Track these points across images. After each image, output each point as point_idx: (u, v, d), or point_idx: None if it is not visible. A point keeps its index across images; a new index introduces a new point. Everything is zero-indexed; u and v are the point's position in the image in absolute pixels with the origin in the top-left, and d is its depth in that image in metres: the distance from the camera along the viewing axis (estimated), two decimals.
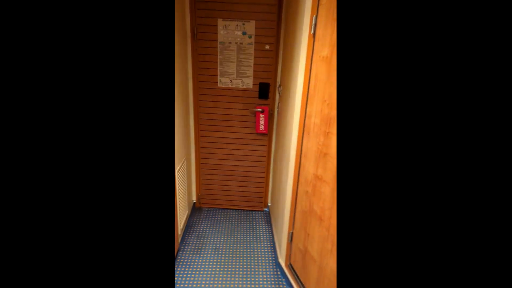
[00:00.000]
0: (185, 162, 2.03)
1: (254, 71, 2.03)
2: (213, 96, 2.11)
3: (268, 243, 2.05)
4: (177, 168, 1.79)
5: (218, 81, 2.07)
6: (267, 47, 1.97)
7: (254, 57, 1.99)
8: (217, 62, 2.02)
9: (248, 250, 1.96)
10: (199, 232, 2.12)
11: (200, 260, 1.83)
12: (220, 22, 1.93)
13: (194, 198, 2.47)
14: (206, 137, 2.23)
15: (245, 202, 2.43)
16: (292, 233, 1.57)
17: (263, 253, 1.95)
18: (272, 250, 1.97)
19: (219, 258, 1.87)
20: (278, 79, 2.07)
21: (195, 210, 2.43)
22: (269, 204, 2.46)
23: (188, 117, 2.12)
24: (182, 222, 2.01)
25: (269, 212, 2.44)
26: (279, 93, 2.03)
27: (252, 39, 1.95)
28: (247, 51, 1.99)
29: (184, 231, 2.10)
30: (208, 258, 1.86)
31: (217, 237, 2.08)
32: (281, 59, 2.01)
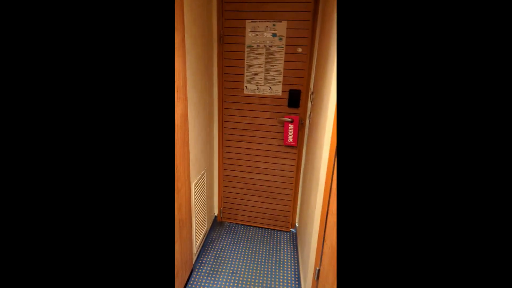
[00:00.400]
0: (205, 174, 1.89)
1: (284, 76, 1.82)
2: (238, 103, 1.95)
3: (293, 271, 1.79)
4: (194, 180, 1.65)
5: (244, 87, 1.91)
6: (300, 50, 1.76)
7: (284, 61, 1.79)
8: (243, 67, 1.86)
9: (269, 278, 1.73)
10: (218, 251, 1.95)
11: (215, 286, 1.65)
12: (249, 24, 1.78)
13: (215, 211, 2.31)
14: (230, 147, 2.07)
15: (269, 220, 2.21)
16: (319, 270, 1.31)
17: (286, 283, 1.70)
18: (297, 281, 1.71)
19: (236, 285, 1.67)
20: (311, 86, 1.84)
21: (216, 224, 2.27)
22: (297, 225, 2.20)
23: (211, 125, 1.99)
24: (200, 239, 1.86)
25: (296, 234, 2.18)
26: (311, 102, 1.79)
27: (283, 42, 1.76)
28: (277, 55, 1.80)
29: (201, 248, 1.95)
30: (224, 283, 1.67)
31: (236, 258, 1.89)
32: (315, 63, 1.78)
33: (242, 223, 2.28)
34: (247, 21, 1.77)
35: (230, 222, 2.30)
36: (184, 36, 1.27)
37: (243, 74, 1.88)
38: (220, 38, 1.84)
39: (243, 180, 2.14)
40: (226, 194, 2.22)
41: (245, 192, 2.17)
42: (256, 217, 2.22)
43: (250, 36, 1.80)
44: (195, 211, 1.69)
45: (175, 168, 1.28)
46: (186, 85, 1.36)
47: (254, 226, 2.26)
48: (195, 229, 1.72)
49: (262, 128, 1.97)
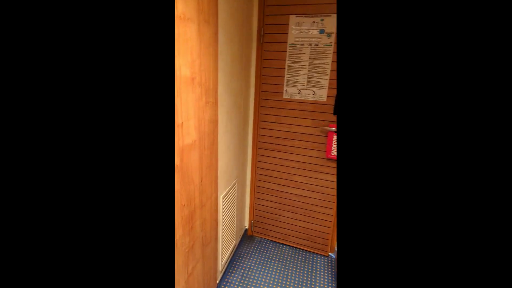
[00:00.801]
0: (236, 184, 1.73)
1: (330, 79, 1.58)
2: (276, 109, 1.76)
3: None
4: (223, 192, 1.49)
5: (284, 91, 1.70)
6: None
7: (332, 61, 1.55)
8: (284, 68, 1.66)
9: None
10: (245, 270, 1.77)
11: None
12: (292, 20, 1.57)
13: (246, 224, 2.14)
14: (264, 157, 1.88)
15: (304, 241, 1.97)
16: None
17: None
18: None
19: None
20: None
21: (246, 238, 2.09)
22: (337, 249, 1.92)
23: (245, 131, 1.82)
24: (227, 255, 1.70)
25: (335, 260, 1.90)
26: None
27: (332, 39, 1.52)
28: (324, 54, 1.56)
29: (228, 264, 1.79)
30: None
31: (265, 280, 1.69)
32: None
33: (273, 239, 2.07)
34: (290, 16, 1.57)
35: (261, 237, 2.11)
36: (217, 30, 1.12)
37: (283, 76, 1.68)
38: (260, 36, 1.67)
39: (276, 193, 1.93)
40: (258, 207, 2.03)
41: (278, 206, 1.96)
42: (289, 235, 1.99)
43: (293, 34, 1.59)
44: (223, 226, 1.53)
45: (200, 181, 1.14)
46: (217, 88, 1.20)
47: (287, 245, 2.03)
48: (222, 246, 1.57)
49: (302, 138, 1.75)
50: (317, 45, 1.56)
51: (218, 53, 1.18)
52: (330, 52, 1.54)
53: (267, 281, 1.69)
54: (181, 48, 0.86)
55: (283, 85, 1.70)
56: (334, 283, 1.70)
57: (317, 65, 1.59)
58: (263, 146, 1.87)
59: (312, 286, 1.67)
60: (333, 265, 1.86)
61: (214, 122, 1.21)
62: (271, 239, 2.08)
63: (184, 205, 1.02)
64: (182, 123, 0.93)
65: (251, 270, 1.77)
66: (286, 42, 1.62)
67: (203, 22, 0.99)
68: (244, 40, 1.54)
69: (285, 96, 1.71)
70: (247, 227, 2.15)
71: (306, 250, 1.99)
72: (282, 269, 1.80)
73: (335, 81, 1.58)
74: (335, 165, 1.72)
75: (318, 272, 1.79)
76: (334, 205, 1.80)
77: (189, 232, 1.10)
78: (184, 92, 0.91)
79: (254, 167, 1.94)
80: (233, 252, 1.88)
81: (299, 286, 1.66)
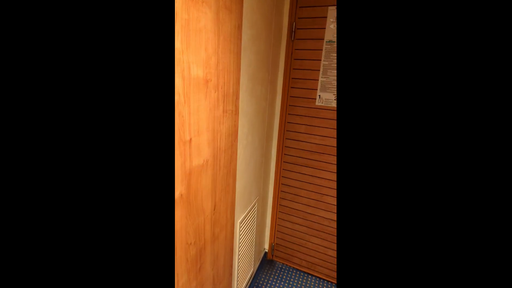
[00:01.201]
0: (256, 204, 1.48)
1: None
2: (306, 118, 1.50)
3: None
4: (241, 216, 1.25)
5: (317, 97, 1.44)
6: None
7: None
8: (318, 70, 1.40)
9: None
10: None
11: None
12: (331, 12, 1.31)
13: (266, 246, 1.89)
14: (290, 173, 1.62)
15: (334, 273, 1.68)
16: None
17: None
18: None
19: None
20: None
21: (266, 263, 1.84)
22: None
23: (269, 142, 1.58)
24: (243, 286, 1.46)
25: None
26: None
27: None
28: None
29: None
30: None
31: None
32: None
33: (297, 267, 1.80)
34: (329, 8, 1.31)
35: (283, 263, 1.84)
36: (240, 22, 0.89)
37: (317, 80, 1.42)
38: (291, 32, 1.42)
39: (303, 215, 1.66)
40: (281, 229, 1.77)
41: (305, 230, 1.68)
42: (317, 264, 1.71)
43: (331, 29, 1.33)
44: (239, 255, 1.30)
45: (213, 209, 0.91)
46: (239, 93, 0.97)
47: (313, 275, 1.75)
48: (237, 279, 1.33)
49: (336, 152, 1.47)
50: None
51: (242, 50, 0.95)
52: None
53: None
54: (192, 40, 0.64)
55: (317, 90, 1.43)
56: None
57: None
58: (289, 160, 1.61)
59: None
60: None
61: (233, 135, 0.98)
62: (294, 266, 1.81)
63: (191, 244, 0.79)
64: (191, 139, 0.70)
65: None
66: (323, 39, 1.36)
67: (223, 8, 0.76)
68: (272, 36, 1.30)
69: (318, 103, 1.45)
70: (267, 250, 1.89)
71: (335, 284, 1.70)
72: None
73: None
74: None
75: None
76: None
77: (197, 275, 0.87)
78: (194, 99, 0.69)
79: (278, 183, 1.68)
80: (250, 280, 1.64)
81: None
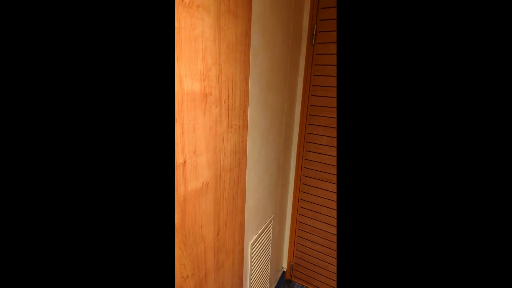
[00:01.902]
0: (272, 221, 1.37)
1: None
2: (329, 128, 1.36)
3: None
4: (252, 238, 1.15)
5: None
6: None
7: None
8: None
9: None
10: None
11: None
12: None
13: (284, 265, 1.76)
14: (311, 188, 1.49)
15: None
16: None
17: None
18: None
19: None
20: None
21: (284, 283, 1.71)
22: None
23: (287, 157, 1.46)
24: None
25: None
26: None
27: None
28: None
29: None
30: None
31: None
32: None
33: None
34: None
35: (302, 285, 1.70)
36: (249, 27, 0.79)
37: None
38: (311, 35, 1.30)
39: (324, 235, 1.51)
40: (300, 248, 1.64)
41: (326, 251, 1.53)
42: None
43: None
44: (251, 278, 1.19)
45: (216, 236, 0.81)
46: (247, 106, 0.88)
47: None
48: None
49: None
50: None
51: (251, 58, 0.86)
52: None
53: None
54: (184, 51, 0.56)
55: None
56: None
57: None
58: (310, 174, 1.48)
59: None
60: None
61: (241, 152, 0.89)
62: None
63: (187, 277, 0.71)
64: (185, 161, 0.62)
65: None
66: None
67: (226, 13, 0.68)
68: (290, 41, 1.19)
69: None
70: (285, 269, 1.76)
71: None
72: None
73: None
74: None
75: None
76: None
77: None
78: (188, 116, 0.61)
79: (297, 199, 1.56)
80: None
81: None
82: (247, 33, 0.79)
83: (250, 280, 1.19)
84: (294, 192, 1.56)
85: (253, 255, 1.17)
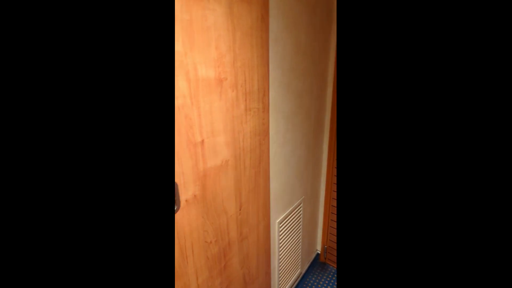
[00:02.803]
0: (302, 204, 1.41)
1: None
2: None
3: None
4: (279, 217, 1.21)
5: None
6: None
7: None
8: None
9: None
10: None
11: None
12: None
13: (318, 248, 1.79)
14: None
15: None
16: None
17: None
18: None
19: None
20: None
21: (317, 265, 1.74)
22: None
23: (319, 140, 1.46)
24: (287, 286, 1.42)
25: None
26: None
27: None
28: None
29: None
30: None
31: None
32: None
33: None
34: None
35: (336, 268, 1.71)
36: (265, 14, 0.82)
37: None
38: None
39: None
40: (334, 231, 1.64)
41: None
42: None
43: None
44: (280, 255, 1.26)
45: (238, 210, 0.90)
46: (268, 89, 0.91)
47: None
48: (278, 278, 1.30)
49: None
50: None
51: (270, 43, 0.89)
52: None
53: None
54: (197, 40, 0.62)
55: None
56: None
57: None
58: None
59: None
60: None
61: (262, 134, 0.94)
62: None
63: (211, 242, 0.80)
64: (203, 140, 0.70)
65: None
66: None
67: (238, 1, 0.72)
68: (317, 22, 1.17)
69: None
70: (319, 252, 1.79)
71: None
72: None
73: None
74: None
75: None
76: None
77: (221, 273, 0.88)
78: (205, 100, 0.68)
79: (330, 182, 1.55)
80: (297, 281, 1.58)
81: None
82: (263, 18, 0.82)
83: (278, 256, 1.26)
84: (327, 175, 1.56)
85: (280, 233, 1.23)
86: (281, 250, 1.27)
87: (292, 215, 1.31)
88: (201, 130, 0.69)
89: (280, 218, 1.21)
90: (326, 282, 1.61)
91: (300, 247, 1.48)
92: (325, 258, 1.75)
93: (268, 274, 1.20)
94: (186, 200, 0.69)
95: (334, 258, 1.70)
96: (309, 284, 1.60)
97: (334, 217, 1.60)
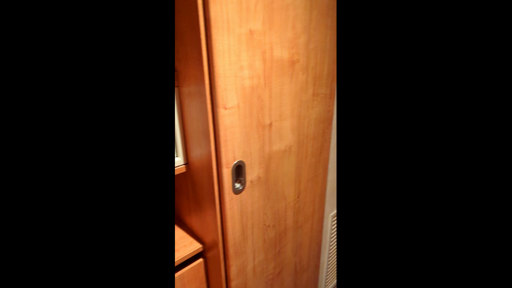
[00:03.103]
0: None
1: None
2: None
3: None
4: (333, 210, 1.17)
5: None
6: None
7: None
8: None
9: None
10: None
11: None
12: None
13: None
14: None
15: None
16: None
17: None
18: None
19: None
20: None
21: None
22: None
23: None
24: (333, 284, 1.38)
25: None
26: None
27: None
28: None
29: None
30: None
31: None
32: None
33: None
34: None
35: None
36: None
37: None
38: None
39: None
40: None
41: None
42: None
43: None
44: (330, 250, 1.22)
45: (297, 197, 0.88)
46: (335, 74, 0.87)
47: None
48: (326, 272, 1.27)
49: None
50: None
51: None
52: None
53: None
54: (276, 19, 0.61)
55: None
56: None
57: None
58: None
59: None
60: None
61: (326, 121, 0.90)
62: None
63: (269, 226, 0.81)
64: (271, 123, 0.69)
65: None
66: None
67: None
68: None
69: None
70: None
71: None
72: None
73: None
74: None
75: None
76: None
77: (276, 257, 0.88)
78: (276, 82, 0.67)
79: None
80: None
81: None
82: None
83: (329, 250, 1.22)
84: None
85: (333, 227, 1.19)
86: (332, 245, 1.23)
87: None
88: (271, 113, 0.68)
89: (334, 212, 1.17)
90: None
91: None
92: None
93: (317, 267, 1.18)
94: (251, 181, 0.69)
95: None
96: None
97: None
